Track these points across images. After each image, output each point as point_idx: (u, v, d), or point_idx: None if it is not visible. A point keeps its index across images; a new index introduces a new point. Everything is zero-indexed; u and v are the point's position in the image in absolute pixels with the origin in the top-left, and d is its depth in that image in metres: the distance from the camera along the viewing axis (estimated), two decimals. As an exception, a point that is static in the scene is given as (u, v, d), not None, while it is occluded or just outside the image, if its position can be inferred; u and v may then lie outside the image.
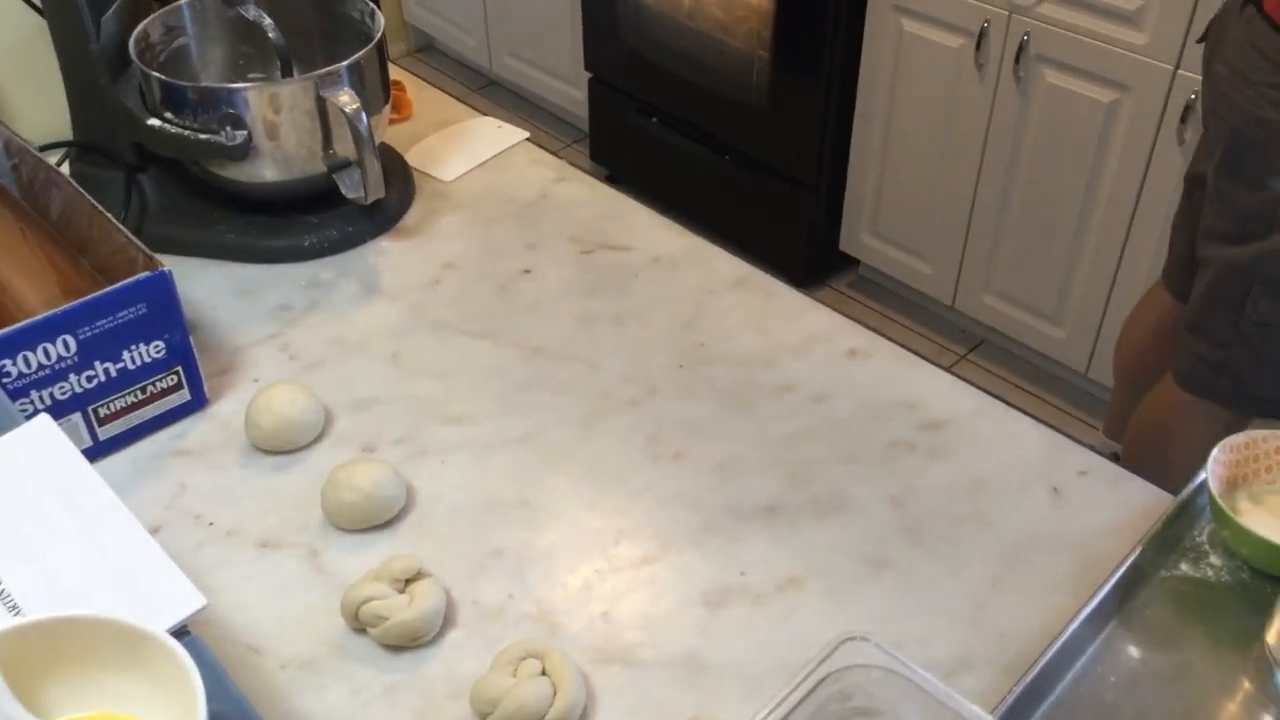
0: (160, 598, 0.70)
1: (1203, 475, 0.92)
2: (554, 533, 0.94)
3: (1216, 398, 1.57)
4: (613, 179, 2.94)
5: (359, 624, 0.85)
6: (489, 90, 3.50)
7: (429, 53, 3.73)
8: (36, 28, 1.22)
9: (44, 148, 1.21)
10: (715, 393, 1.07)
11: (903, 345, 1.13)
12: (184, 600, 0.69)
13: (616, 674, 0.83)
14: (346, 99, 1.14)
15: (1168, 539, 0.91)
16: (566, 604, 0.88)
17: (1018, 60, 2.05)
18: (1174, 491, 0.97)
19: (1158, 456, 1.66)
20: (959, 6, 2.11)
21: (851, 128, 2.41)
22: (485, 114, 1.49)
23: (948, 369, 1.11)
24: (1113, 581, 0.86)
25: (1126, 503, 0.96)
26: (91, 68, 1.18)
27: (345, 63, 1.16)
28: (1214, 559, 0.91)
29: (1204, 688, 0.82)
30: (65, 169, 1.25)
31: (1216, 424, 1.52)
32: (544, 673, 0.80)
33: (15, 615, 0.68)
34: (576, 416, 1.05)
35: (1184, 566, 0.90)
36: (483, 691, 0.79)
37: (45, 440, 0.80)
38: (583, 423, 1.04)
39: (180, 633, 0.68)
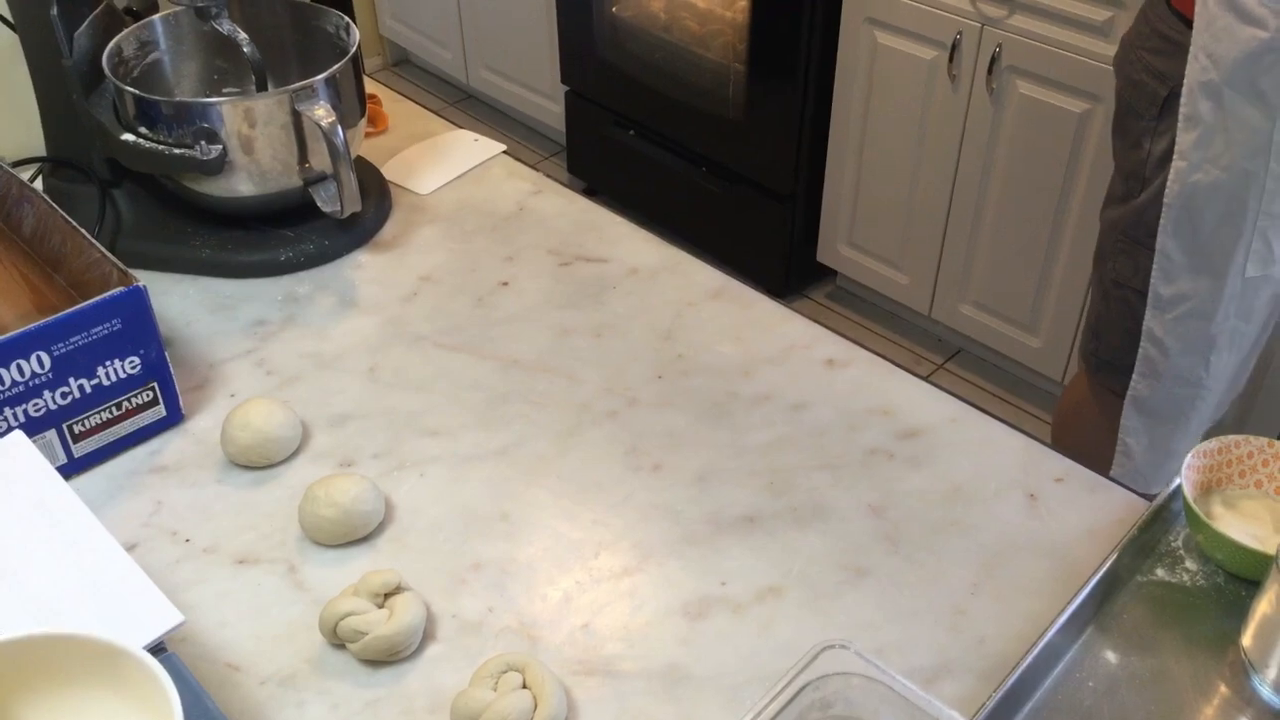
0: (137, 615, 0.69)
1: (1177, 481, 0.93)
2: (534, 545, 0.94)
3: (1088, 361, 1.59)
4: (591, 192, 2.95)
5: (338, 639, 0.85)
6: (466, 104, 3.51)
7: (405, 66, 3.73)
8: (9, 43, 1.21)
9: (17, 163, 1.21)
10: (694, 403, 1.07)
11: (880, 355, 1.13)
12: (161, 617, 0.69)
13: (597, 685, 0.83)
14: (322, 113, 1.14)
15: (1143, 544, 0.92)
16: (547, 616, 0.88)
17: (990, 71, 2.07)
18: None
19: (1075, 434, 1.67)
20: (931, 19, 2.13)
21: (827, 139, 2.42)
22: (462, 127, 1.49)
23: (925, 378, 1.11)
24: (1090, 587, 0.86)
25: (1103, 508, 0.96)
26: (64, 83, 1.17)
27: (320, 76, 1.16)
28: (1189, 563, 0.91)
29: (1181, 691, 0.82)
30: (39, 184, 1.25)
31: (1118, 401, 1.54)
32: (525, 685, 0.80)
33: (-11, 634, 0.68)
34: (555, 428, 1.05)
35: (1160, 571, 0.91)
36: (463, 705, 0.79)
37: (19, 457, 0.79)
38: (562, 435, 1.04)
39: (157, 649, 0.68)
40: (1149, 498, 0.96)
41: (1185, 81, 1.30)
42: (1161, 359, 1.45)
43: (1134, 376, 1.49)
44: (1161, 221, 1.37)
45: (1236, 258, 1.36)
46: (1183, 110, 1.31)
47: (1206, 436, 2.06)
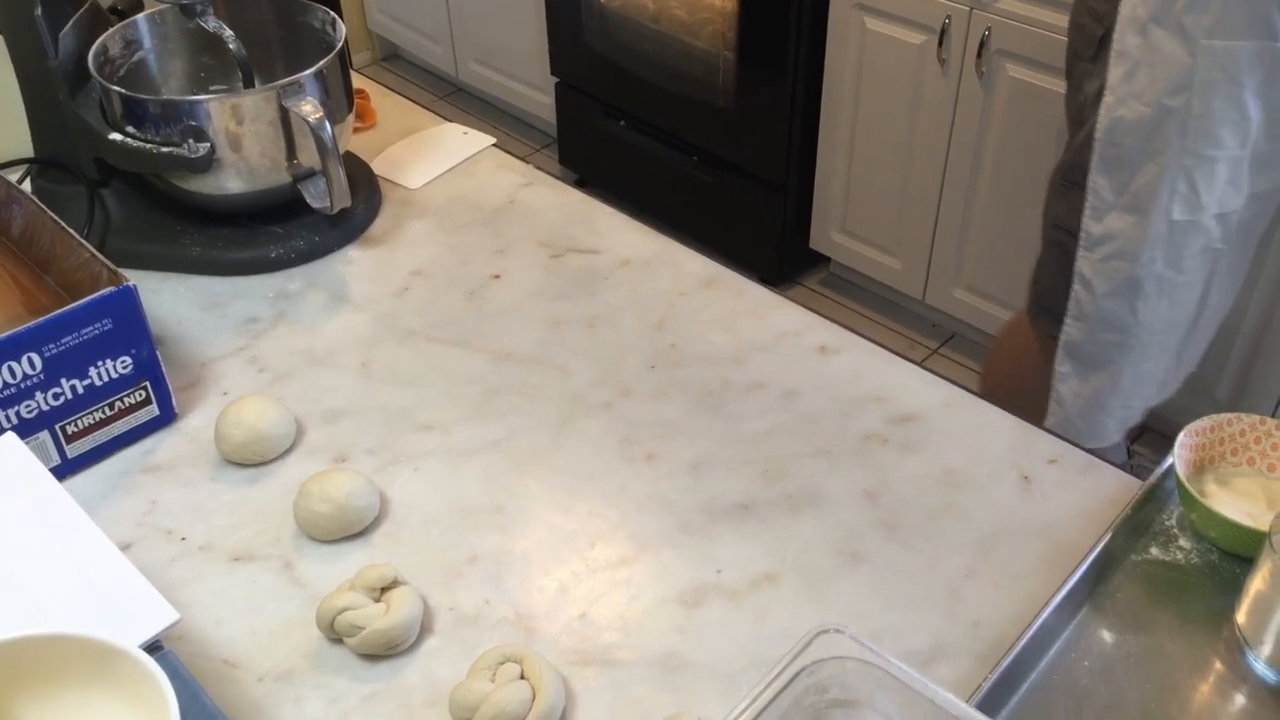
0: (133, 613, 0.69)
1: (1170, 459, 0.93)
2: (529, 537, 0.94)
3: (1030, 308, 1.60)
4: (582, 183, 2.94)
5: (335, 634, 0.85)
6: (456, 97, 3.50)
7: (394, 61, 3.72)
8: (-7, 44, 1.21)
9: (4, 165, 1.20)
10: (687, 393, 1.07)
11: (875, 341, 1.14)
12: (157, 615, 0.69)
13: (595, 675, 0.84)
14: (309, 108, 1.14)
15: (1137, 523, 0.92)
16: (543, 607, 0.88)
17: (980, 55, 2.07)
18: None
19: (1018, 381, 1.67)
20: (920, 3, 2.12)
21: (818, 126, 2.42)
22: (452, 121, 1.49)
23: (919, 363, 1.11)
24: (1084, 567, 0.87)
25: (1096, 489, 0.97)
26: (50, 83, 1.17)
27: (307, 72, 1.16)
28: (1183, 542, 0.92)
29: (1176, 669, 0.83)
30: (27, 186, 1.24)
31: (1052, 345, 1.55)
32: (523, 676, 0.80)
33: (-15, 636, 0.68)
34: (549, 420, 1.05)
35: (1154, 550, 0.91)
36: (461, 697, 0.79)
37: (12, 459, 0.79)
38: (555, 426, 1.04)
39: (154, 648, 0.68)
40: (1140, 476, 0.96)
41: (1118, 17, 1.32)
42: (1089, 300, 1.46)
43: (1066, 319, 1.49)
44: (1092, 158, 1.38)
45: (1161, 198, 1.36)
46: (1114, 46, 1.33)
47: (1156, 417, 2.07)
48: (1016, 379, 1.65)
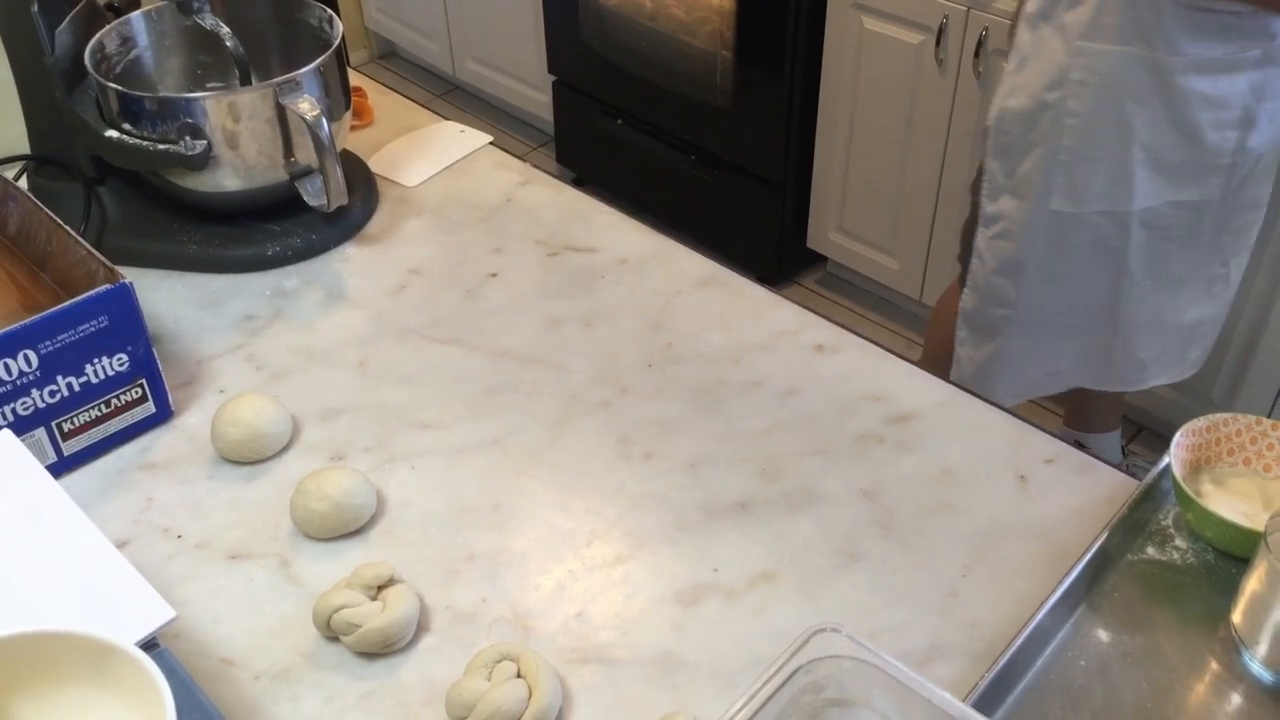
0: (129, 611, 0.69)
1: (1166, 459, 0.93)
2: (526, 535, 0.94)
3: (959, 275, 1.64)
4: (580, 182, 2.94)
5: (331, 632, 0.85)
6: (453, 95, 3.50)
7: (391, 59, 3.72)
8: (-10, 41, 1.20)
9: (0, 162, 1.20)
10: (684, 391, 1.07)
11: (872, 340, 1.14)
12: (153, 613, 0.69)
13: (592, 673, 0.84)
14: (307, 106, 1.14)
15: (1133, 523, 0.92)
16: (540, 606, 0.88)
17: (977, 55, 2.07)
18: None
19: (943, 334, 1.71)
20: (918, 3, 2.12)
21: (816, 125, 2.42)
22: (449, 119, 1.49)
23: (915, 363, 1.11)
24: (1080, 566, 0.87)
25: (1092, 489, 0.97)
26: (47, 80, 1.17)
27: (304, 69, 1.16)
28: (1179, 542, 0.92)
29: (1172, 668, 0.83)
30: (23, 183, 1.24)
31: None
32: (519, 675, 0.80)
33: (-19, 633, 0.68)
34: (546, 419, 1.05)
35: (1150, 550, 0.91)
36: (458, 696, 0.79)
37: (8, 456, 0.79)
38: (553, 425, 1.04)
39: (150, 645, 0.68)
40: (1136, 476, 0.96)
41: (1020, 12, 1.38)
42: (981, 274, 1.52)
43: (964, 289, 1.57)
44: (987, 142, 1.45)
45: (1041, 187, 1.41)
46: (1013, 39, 1.39)
47: (1152, 417, 2.08)
48: (947, 344, 1.69)
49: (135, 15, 1.26)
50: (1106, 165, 1.37)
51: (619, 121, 2.80)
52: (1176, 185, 1.37)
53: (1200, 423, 0.94)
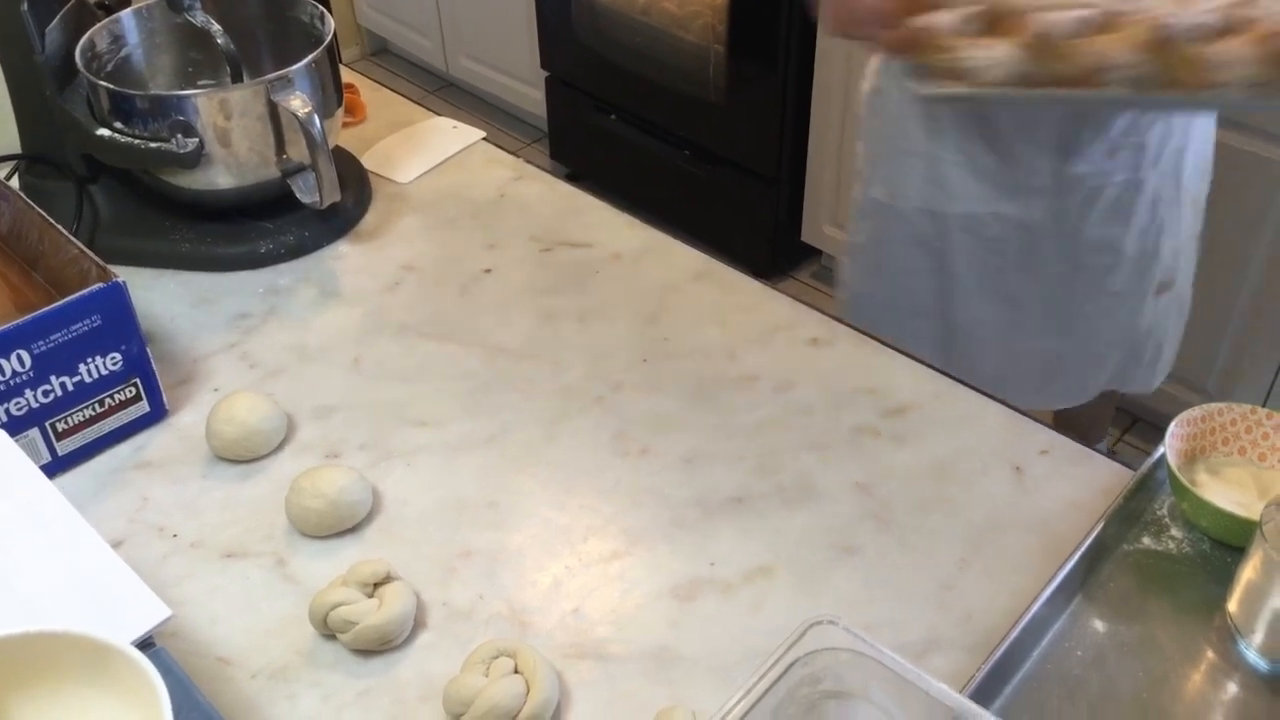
0: (124, 610, 0.69)
1: (1161, 449, 0.93)
2: (523, 532, 0.94)
3: None
4: (574, 177, 2.93)
5: (328, 630, 0.85)
6: (446, 92, 3.49)
7: (384, 56, 3.71)
8: (-20, 40, 1.20)
9: (-9, 161, 1.20)
10: (680, 387, 1.07)
11: (866, 333, 1.13)
12: (148, 612, 0.69)
13: (589, 669, 0.84)
14: (298, 103, 1.13)
15: (1129, 513, 0.92)
16: (537, 602, 0.88)
17: (970, 47, 2.06)
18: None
19: None
20: (910, -5, 2.12)
21: (809, 119, 2.42)
22: (442, 116, 1.48)
23: (910, 355, 1.11)
24: (1076, 557, 0.87)
25: (1087, 479, 0.97)
26: (37, 79, 1.16)
27: (296, 66, 1.16)
28: (1175, 531, 0.92)
29: (1169, 658, 0.83)
30: (15, 183, 1.24)
31: None
32: (516, 670, 0.80)
33: (-24, 634, 0.67)
34: (542, 415, 1.04)
35: (1146, 540, 0.92)
36: (455, 692, 0.79)
37: (2, 457, 0.79)
38: (548, 421, 1.04)
39: (146, 644, 0.68)
40: (1131, 466, 0.96)
41: None
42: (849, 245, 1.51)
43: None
44: None
45: (866, 174, 1.39)
46: None
47: (1146, 408, 2.07)
48: None
49: (125, 13, 1.26)
50: (920, 161, 1.31)
51: (612, 117, 2.79)
52: (997, 197, 1.29)
53: (1195, 412, 0.95)
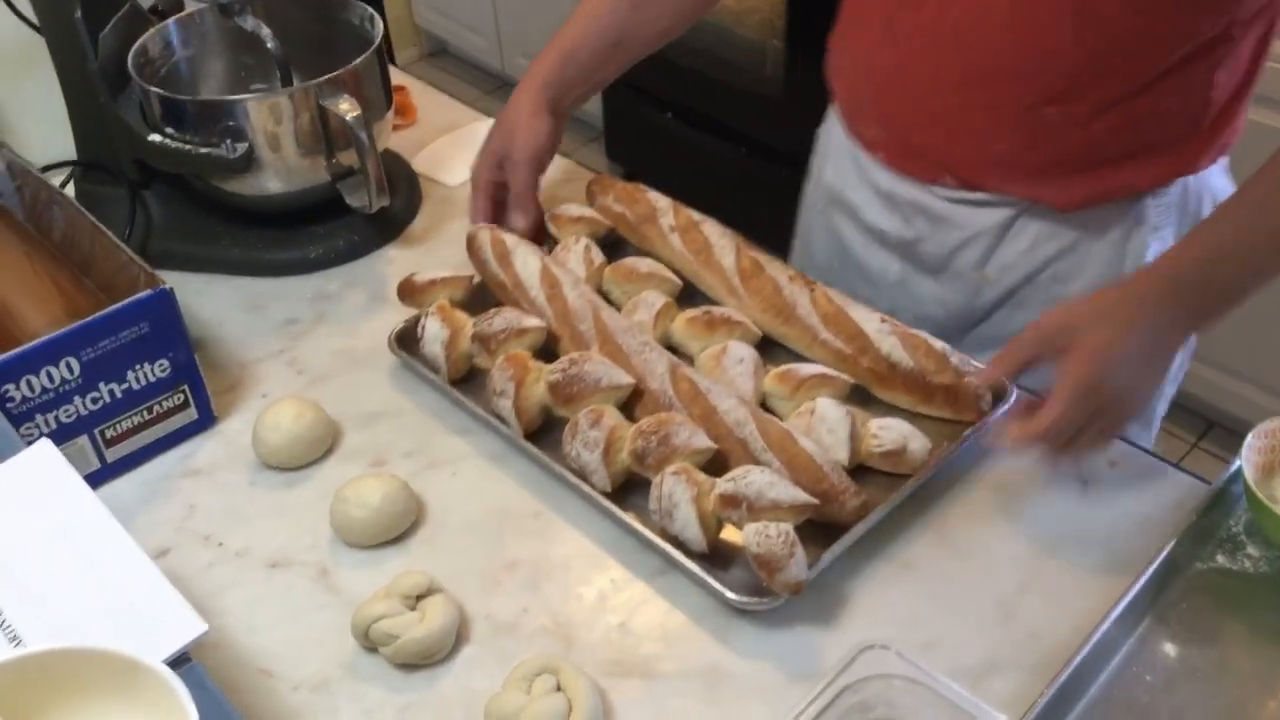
0: (162, 625, 0.68)
1: (1237, 462, 0.88)
2: (568, 543, 0.92)
3: None
4: (630, 176, 2.91)
5: (370, 643, 0.84)
6: (503, 92, 3.49)
7: (442, 57, 3.72)
8: (38, 45, 1.21)
9: (47, 168, 1.21)
10: (730, 393, 1.04)
11: (923, 337, 1.10)
12: (185, 627, 0.68)
13: (634, 687, 0.81)
14: (347, 106, 1.12)
15: (1202, 530, 0.88)
16: (582, 616, 0.86)
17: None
18: None
19: None
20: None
21: (868, 115, 2.37)
22: (494, 117, 1.47)
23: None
24: (1146, 576, 0.83)
25: (1158, 494, 0.92)
26: (91, 86, 1.17)
27: (343, 70, 1.15)
28: (1251, 549, 0.87)
29: (1244, 685, 0.79)
30: (70, 189, 1.25)
31: None
32: (559, 688, 0.78)
33: (16, 646, 0.67)
34: (589, 422, 1.02)
35: (1220, 558, 0.87)
36: (497, 710, 0.77)
37: (46, 466, 0.79)
38: (595, 428, 1.02)
39: (182, 659, 0.67)
40: (1206, 481, 0.92)
41: None
42: None
43: None
44: None
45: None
46: None
47: (1225, 414, 1.99)
48: None
49: (178, 19, 1.26)
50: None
51: (669, 115, 2.77)
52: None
53: (1274, 423, 0.90)
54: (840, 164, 1.24)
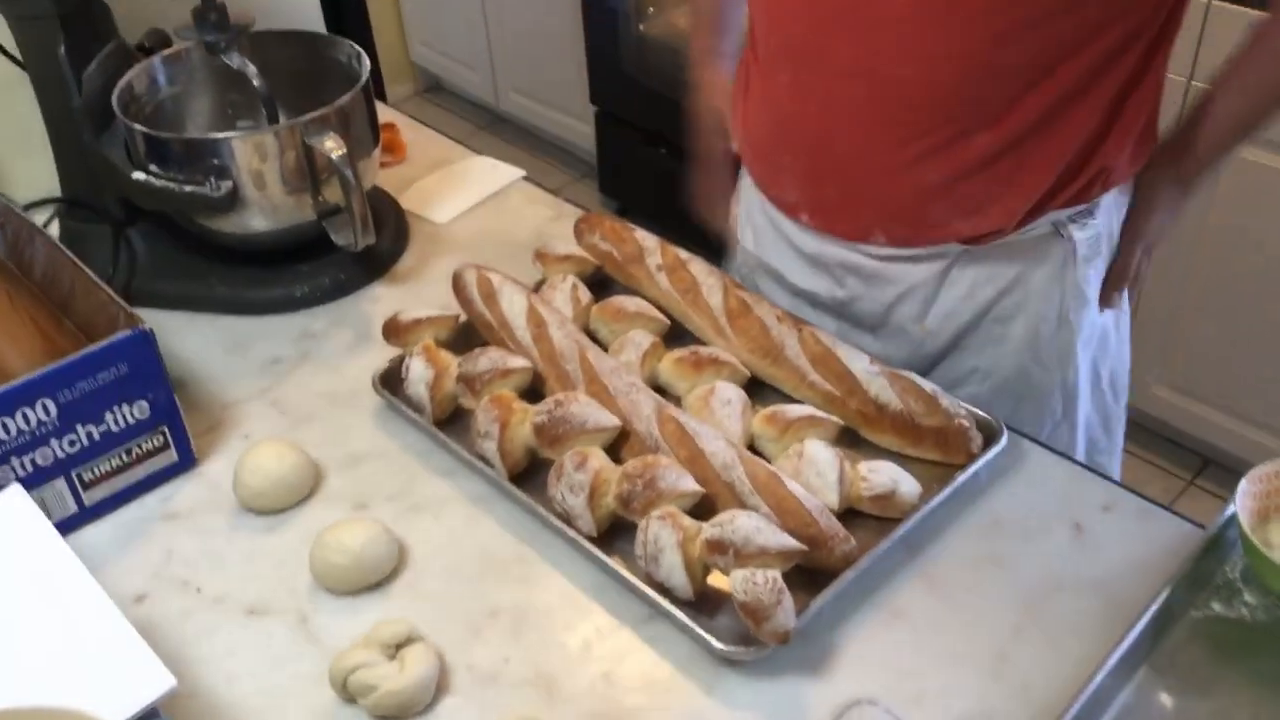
0: (129, 680, 0.66)
1: (1232, 507, 0.87)
2: (552, 589, 0.90)
3: None
4: (624, 212, 2.91)
5: (349, 694, 0.81)
6: (497, 127, 3.50)
7: (436, 92, 3.73)
8: (22, 81, 1.20)
9: (30, 205, 1.19)
10: (719, 435, 1.03)
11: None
12: (154, 681, 0.66)
13: (618, 740, 0.79)
14: (332, 144, 1.12)
15: (1198, 576, 0.86)
16: (565, 666, 0.84)
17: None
18: None
19: None
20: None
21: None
22: (492, 152, 1.47)
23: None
24: (1142, 624, 0.81)
25: (1153, 538, 0.91)
26: (75, 123, 1.16)
27: (329, 107, 1.14)
28: (1248, 596, 0.86)
29: (1244, 738, 0.77)
30: (55, 226, 1.24)
31: None
32: (541, 741, 0.76)
33: (-20, 701, 0.65)
34: (575, 464, 1.01)
35: (1216, 605, 0.85)
36: (477, 764, 0.75)
37: (16, 513, 0.77)
38: (582, 471, 1.00)
39: (149, 716, 0.65)
40: (1201, 526, 0.90)
41: None
42: None
43: None
44: None
45: None
46: None
47: (1224, 454, 1.98)
48: None
49: (164, 56, 1.26)
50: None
51: (662, 151, 2.77)
52: None
53: (1268, 467, 0.88)
54: (760, 229, 1.22)
